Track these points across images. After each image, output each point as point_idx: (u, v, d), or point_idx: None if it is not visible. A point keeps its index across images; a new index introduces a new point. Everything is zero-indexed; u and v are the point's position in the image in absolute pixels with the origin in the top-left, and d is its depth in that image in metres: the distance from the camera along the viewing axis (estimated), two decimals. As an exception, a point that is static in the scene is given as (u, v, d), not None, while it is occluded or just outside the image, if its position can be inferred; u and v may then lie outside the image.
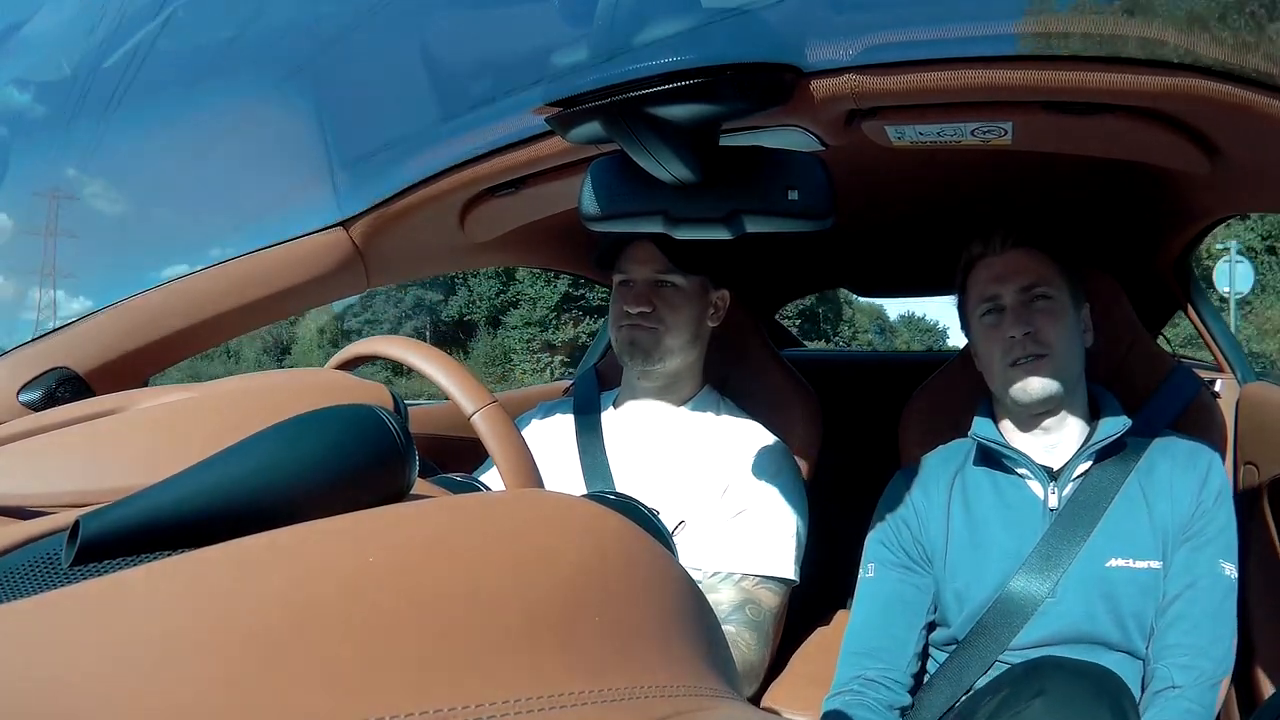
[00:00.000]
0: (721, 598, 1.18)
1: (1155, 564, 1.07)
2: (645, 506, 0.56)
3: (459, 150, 1.05)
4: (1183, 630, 1.04)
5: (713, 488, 1.27)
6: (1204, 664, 1.02)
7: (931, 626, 1.19)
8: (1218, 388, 1.53)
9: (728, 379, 1.50)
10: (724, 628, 1.10)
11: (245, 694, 0.25)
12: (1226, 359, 1.62)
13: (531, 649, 0.30)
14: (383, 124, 1.16)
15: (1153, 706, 1.02)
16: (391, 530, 0.32)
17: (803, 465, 1.37)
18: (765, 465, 1.29)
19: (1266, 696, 1.11)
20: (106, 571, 0.32)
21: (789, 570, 1.23)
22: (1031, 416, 1.16)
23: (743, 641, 1.12)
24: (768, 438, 1.32)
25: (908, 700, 1.14)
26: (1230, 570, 1.07)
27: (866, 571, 1.22)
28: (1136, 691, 1.04)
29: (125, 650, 0.25)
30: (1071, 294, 1.17)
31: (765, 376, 1.51)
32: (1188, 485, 1.10)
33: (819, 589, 1.48)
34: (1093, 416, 1.18)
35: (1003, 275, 1.17)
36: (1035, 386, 1.13)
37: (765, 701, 1.24)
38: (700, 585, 1.16)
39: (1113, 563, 1.08)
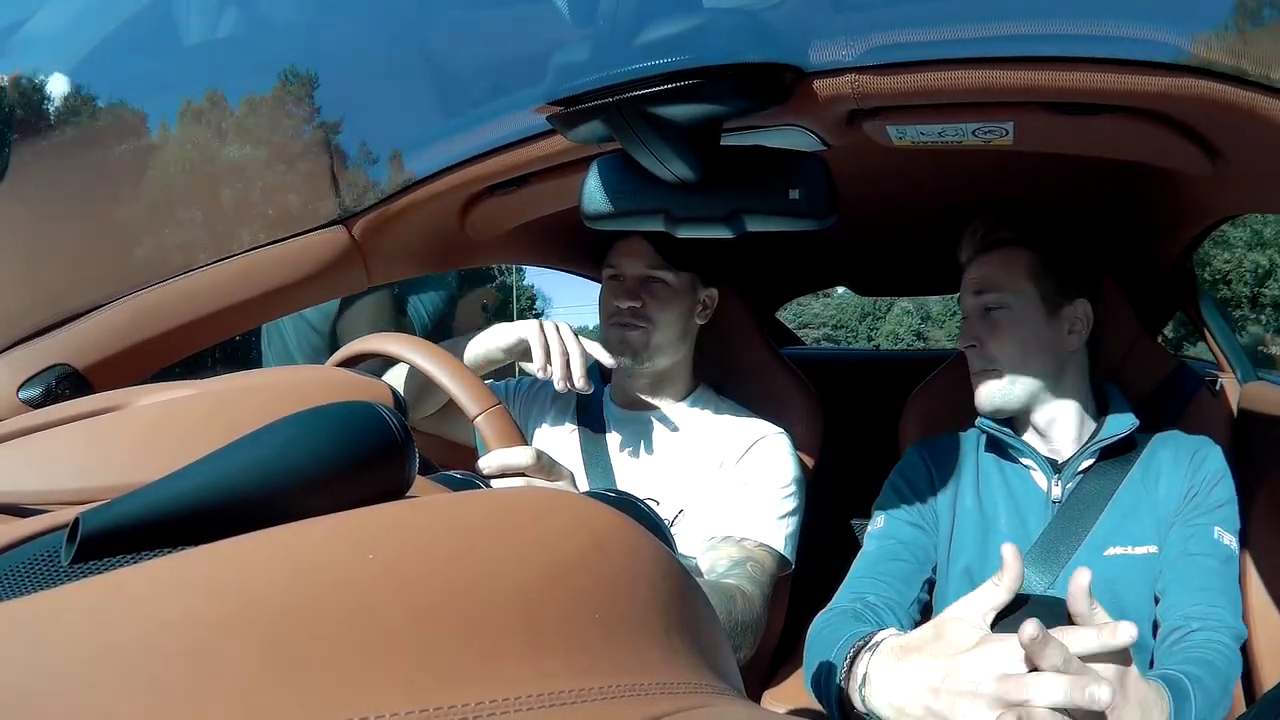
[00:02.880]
0: (723, 555, 1.18)
1: (1152, 548, 1.08)
2: (645, 504, 0.56)
3: (460, 148, 1.05)
4: (1184, 587, 1.03)
5: (710, 468, 1.28)
6: (1219, 613, 1.00)
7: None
8: (1218, 387, 1.53)
9: (728, 377, 1.50)
10: (725, 581, 1.10)
11: (242, 692, 0.25)
12: (1227, 358, 1.62)
13: (531, 646, 0.30)
14: (384, 122, 1.16)
15: (1175, 643, 0.99)
16: (391, 528, 0.32)
17: (803, 465, 1.36)
18: (766, 449, 1.29)
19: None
20: (106, 569, 0.32)
21: (784, 547, 1.23)
22: (1033, 413, 1.17)
23: (744, 596, 1.11)
24: (769, 428, 1.32)
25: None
26: (1229, 540, 1.06)
27: (874, 524, 1.21)
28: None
29: (123, 649, 0.25)
30: (1043, 295, 1.14)
31: (766, 375, 1.51)
32: (1184, 470, 1.11)
33: (819, 588, 1.48)
34: (1099, 413, 1.18)
35: (965, 285, 1.18)
36: (984, 398, 1.14)
37: (766, 700, 1.25)
38: (702, 551, 1.17)
39: (1112, 551, 1.09)
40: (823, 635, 1.02)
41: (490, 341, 1.17)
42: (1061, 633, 0.70)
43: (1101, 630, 0.70)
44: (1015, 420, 1.20)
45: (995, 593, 0.77)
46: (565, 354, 1.13)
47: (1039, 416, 1.16)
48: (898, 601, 1.10)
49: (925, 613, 1.17)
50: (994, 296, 1.14)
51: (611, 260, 1.32)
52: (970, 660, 0.72)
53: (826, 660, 0.94)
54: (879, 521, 1.21)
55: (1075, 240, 1.20)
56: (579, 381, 1.13)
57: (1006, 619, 0.77)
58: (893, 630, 0.91)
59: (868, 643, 0.88)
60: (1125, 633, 0.69)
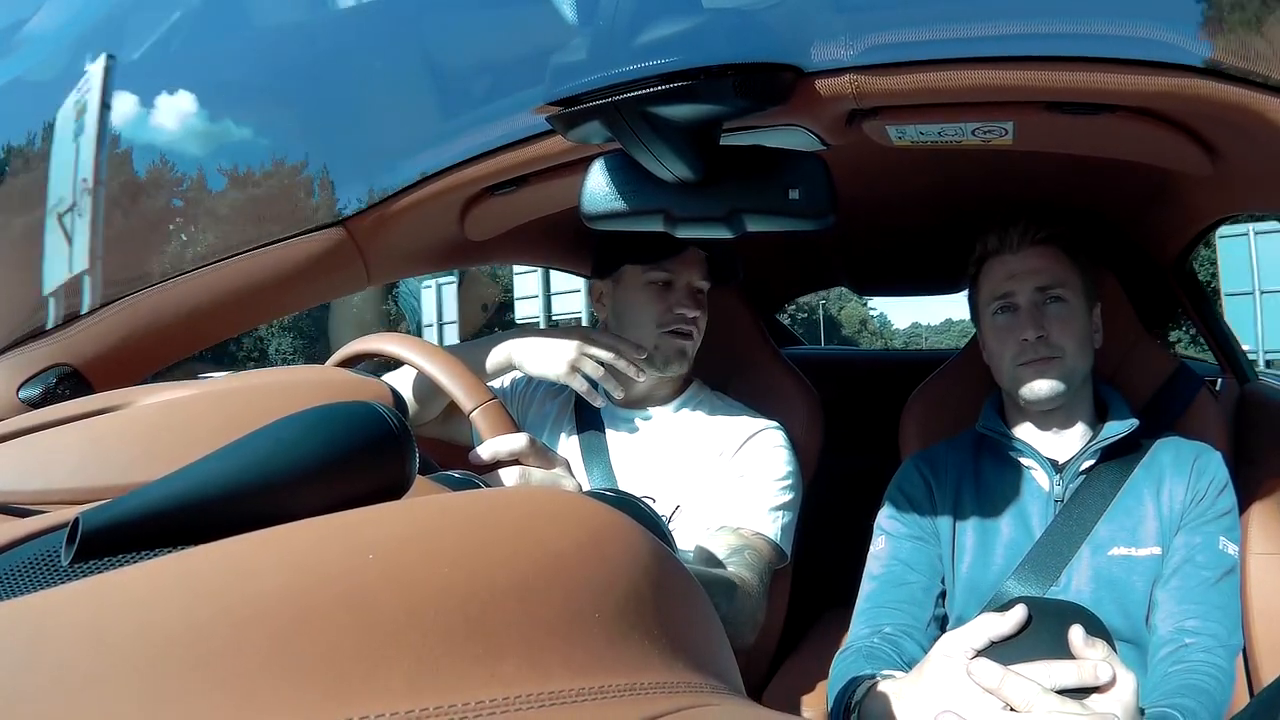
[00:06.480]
0: (720, 543, 1.18)
1: (1156, 550, 1.08)
2: (644, 502, 0.56)
3: (460, 148, 1.05)
4: (1181, 599, 1.04)
5: (707, 463, 1.28)
6: (1214, 628, 1.02)
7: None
8: (1219, 388, 1.53)
9: (730, 377, 1.50)
10: (725, 571, 1.11)
11: (240, 693, 0.25)
12: (1227, 359, 1.62)
13: (530, 646, 0.30)
14: (384, 122, 1.16)
15: (1169, 659, 1.01)
16: (390, 528, 0.32)
17: (803, 464, 1.37)
18: (762, 442, 1.30)
19: None
20: (106, 569, 0.32)
21: (780, 538, 1.23)
22: (1038, 413, 1.17)
23: (743, 583, 1.12)
24: (765, 422, 1.33)
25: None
26: (1233, 549, 1.07)
27: (876, 545, 1.21)
28: (1142, 676, 1.04)
29: (123, 649, 0.25)
30: (1085, 294, 1.17)
31: (767, 375, 1.51)
32: (1188, 477, 1.11)
33: (820, 588, 1.48)
34: (1099, 415, 1.19)
35: (1018, 274, 1.17)
36: (1043, 387, 1.13)
37: (766, 699, 1.24)
38: (700, 541, 1.17)
39: (1115, 551, 1.09)
40: (838, 677, 1.03)
41: (527, 358, 1.22)
42: (1043, 667, 0.74)
43: (1082, 667, 0.73)
44: (1020, 422, 1.20)
45: (978, 636, 0.78)
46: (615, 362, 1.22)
47: (1062, 413, 1.17)
48: (914, 625, 1.11)
49: (943, 625, 1.17)
50: (1059, 290, 1.15)
51: (667, 266, 1.31)
52: (958, 695, 0.75)
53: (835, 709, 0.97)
54: (880, 541, 1.20)
55: (1092, 245, 1.22)
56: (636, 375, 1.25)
57: (1005, 644, 0.78)
58: (876, 678, 0.92)
59: (854, 696, 0.91)
60: (1105, 672, 0.73)
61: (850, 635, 1.13)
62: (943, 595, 1.17)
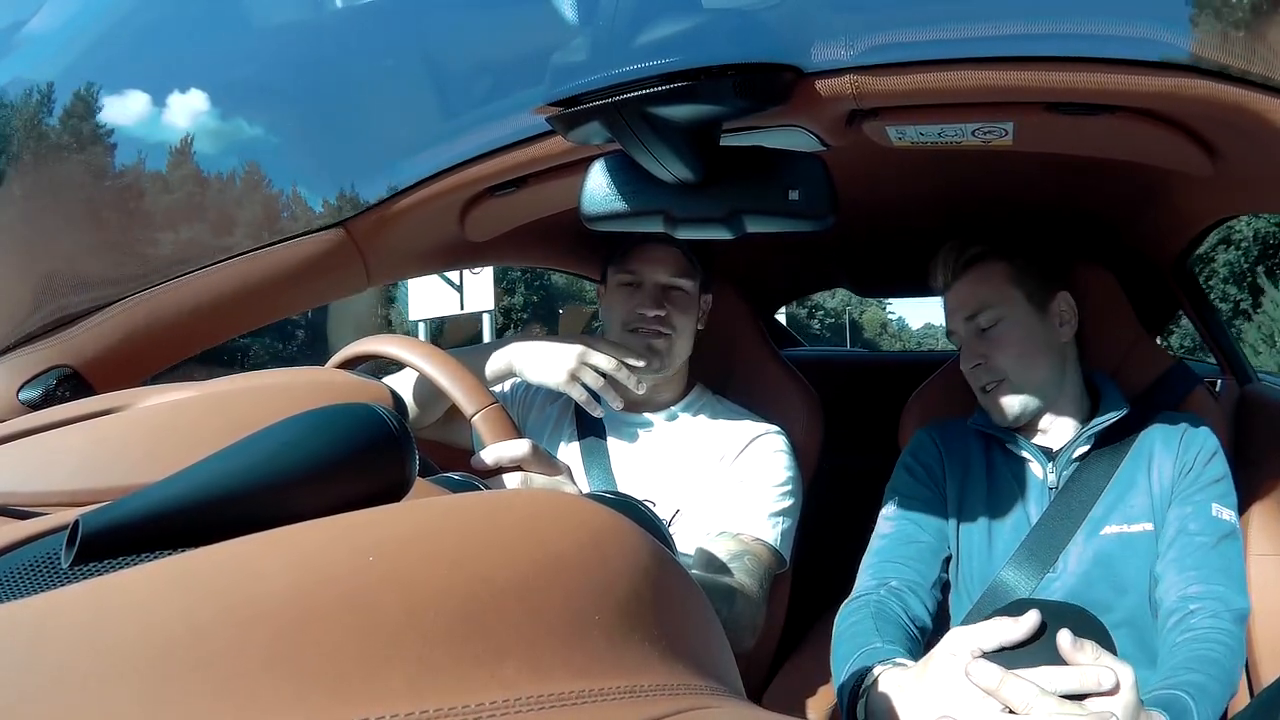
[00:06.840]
0: (720, 548, 1.19)
1: (1148, 526, 1.09)
2: (644, 505, 0.56)
3: (460, 149, 1.05)
4: (1181, 567, 1.05)
5: (707, 468, 1.28)
6: (1218, 590, 1.02)
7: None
8: (1219, 389, 1.53)
9: (729, 379, 1.50)
10: (724, 578, 1.12)
11: (241, 694, 0.25)
12: (1228, 360, 1.62)
13: (530, 647, 0.30)
14: (384, 123, 1.16)
15: (1177, 628, 1.01)
16: (391, 529, 0.32)
17: (803, 465, 1.37)
18: (762, 447, 1.30)
19: None
20: (107, 571, 0.32)
21: (780, 543, 1.24)
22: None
23: (743, 588, 1.12)
24: (766, 427, 1.33)
25: (929, 625, 1.12)
26: (1228, 515, 1.08)
27: (886, 508, 1.22)
28: (1140, 660, 1.04)
29: (123, 650, 0.25)
30: (1029, 297, 1.18)
31: (766, 376, 1.51)
32: (1176, 450, 1.13)
33: (819, 589, 1.48)
34: (1092, 403, 1.20)
35: (951, 310, 1.21)
36: (1000, 410, 1.16)
37: (766, 700, 1.24)
38: (699, 546, 1.17)
39: (1108, 530, 1.10)
40: (846, 634, 1.04)
41: (528, 364, 1.21)
42: (1044, 672, 0.74)
43: (1085, 674, 0.73)
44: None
45: (989, 638, 0.78)
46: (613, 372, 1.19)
47: (1044, 412, 1.18)
48: (920, 583, 1.12)
49: (946, 591, 1.18)
50: (988, 314, 1.16)
51: (630, 266, 1.31)
52: (958, 696, 0.76)
53: (841, 679, 0.97)
54: (893, 503, 1.21)
55: (1041, 237, 1.24)
56: (638, 388, 1.22)
57: (1009, 651, 0.78)
58: (885, 666, 0.92)
59: (863, 683, 0.91)
60: (1108, 679, 0.73)
61: (857, 586, 1.14)
62: (948, 561, 1.18)
